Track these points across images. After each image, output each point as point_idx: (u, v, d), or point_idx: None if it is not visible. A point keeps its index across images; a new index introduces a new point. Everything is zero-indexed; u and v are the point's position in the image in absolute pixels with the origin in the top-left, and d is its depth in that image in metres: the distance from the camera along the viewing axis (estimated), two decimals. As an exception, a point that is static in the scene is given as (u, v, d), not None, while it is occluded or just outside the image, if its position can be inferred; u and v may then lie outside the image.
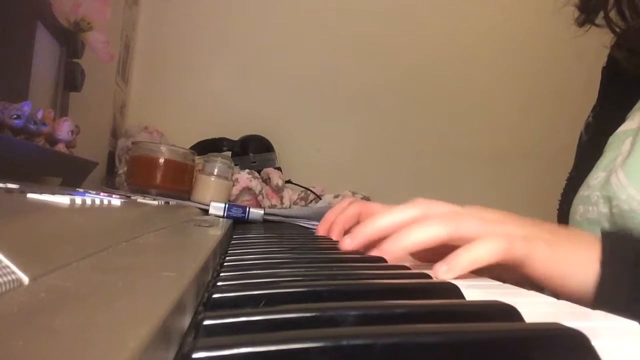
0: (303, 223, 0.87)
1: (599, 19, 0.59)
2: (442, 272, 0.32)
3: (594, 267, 0.34)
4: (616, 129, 0.57)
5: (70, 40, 0.83)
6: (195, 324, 0.17)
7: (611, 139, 0.57)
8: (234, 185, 1.02)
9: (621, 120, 0.58)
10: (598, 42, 0.62)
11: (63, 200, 0.31)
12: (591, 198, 0.54)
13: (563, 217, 0.63)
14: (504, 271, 0.35)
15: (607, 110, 0.63)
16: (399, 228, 0.38)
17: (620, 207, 0.49)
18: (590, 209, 0.54)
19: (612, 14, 0.58)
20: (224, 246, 0.43)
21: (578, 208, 0.57)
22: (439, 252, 0.36)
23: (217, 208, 0.82)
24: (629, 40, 0.57)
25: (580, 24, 0.61)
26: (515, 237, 0.35)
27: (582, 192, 0.57)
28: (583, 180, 0.58)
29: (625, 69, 0.58)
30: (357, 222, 0.54)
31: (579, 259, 0.35)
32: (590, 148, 0.61)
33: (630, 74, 0.58)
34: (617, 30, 0.59)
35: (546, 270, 0.34)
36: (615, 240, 0.36)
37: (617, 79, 0.62)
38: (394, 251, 0.36)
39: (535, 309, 0.23)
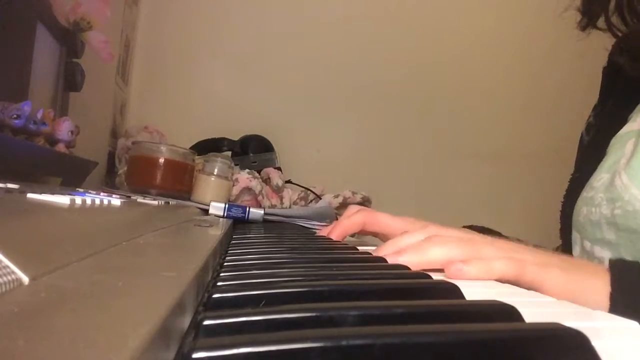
0: (303, 223, 0.87)
1: (601, 23, 0.60)
2: (456, 268, 0.33)
3: (605, 298, 0.34)
4: (618, 129, 0.57)
5: (70, 40, 0.83)
6: (195, 324, 0.17)
7: (614, 140, 0.57)
8: (234, 185, 1.02)
9: (623, 120, 0.58)
10: (599, 42, 0.62)
11: (63, 200, 0.31)
12: (595, 199, 0.54)
13: (566, 218, 0.63)
14: None
15: (609, 110, 0.63)
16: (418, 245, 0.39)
17: (623, 207, 0.50)
18: (593, 210, 0.54)
19: (614, 18, 0.58)
20: (224, 246, 0.43)
21: (581, 209, 0.57)
22: None
23: (217, 208, 0.82)
24: (630, 44, 0.57)
25: (583, 27, 0.61)
26: (528, 262, 0.35)
27: (586, 193, 0.57)
28: (586, 181, 0.58)
29: (627, 73, 0.58)
30: (361, 231, 0.54)
31: (590, 287, 0.35)
32: (592, 149, 0.61)
33: (632, 76, 0.58)
34: (619, 34, 0.59)
35: (558, 296, 0.34)
36: (622, 273, 0.36)
37: (618, 80, 0.62)
38: (412, 263, 0.36)
39: (535, 309, 0.23)
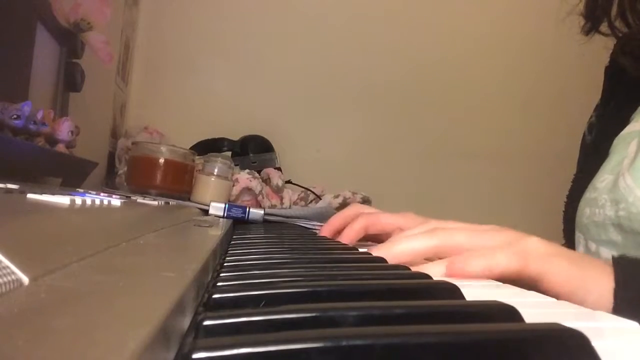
0: (303, 223, 0.87)
1: (604, 27, 0.60)
2: (457, 266, 0.32)
3: (607, 294, 0.34)
4: (620, 129, 0.57)
5: (70, 40, 0.83)
6: (196, 324, 0.17)
7: (616, 141, 0.57)
8: (234, 185, 1.02)
9: (625, 121, 0.58)
10: (600, 43, 0.62)
11: (63, 200, 0.31)
12: (598, 200, 0.54)
13: (569, 219, 0.62)
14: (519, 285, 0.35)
15: (611, 111, 0.62)
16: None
17: (628, 209, 0.49)
18: (597, 212, 0.54)
19: (616, 21, 0.58)
20: (224, 246, 0.43)
21: (585, 210, 0.57)
22: None
23: (217, 208, 0.82)
24: (632, 45, 0.57)
25: (587, 32, 0.61)
26: (531, 254, 0.35)
27: (589, 194, 0.57)
28: (588, 182, 0.58)
29: (629, 74, 0.58)
30: (364, 235, 0.54)
31: (594, 282, 0.35)
32: (595, 149, 0.61)
33: (635, 77, 0.58)
34: (621, 35, 0.59)
35: (561, 287, 0.34)
36: (626, 269, 0.36)
37: (620, 80, 0.62)
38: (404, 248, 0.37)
39: (535, 309, 0.23)
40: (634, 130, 0.55)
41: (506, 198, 1.49)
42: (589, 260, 0.38)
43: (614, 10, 0.58)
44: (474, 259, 0.33)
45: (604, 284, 0.35)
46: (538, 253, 0.35)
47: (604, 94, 0.66)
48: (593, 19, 0.60)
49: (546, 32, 1.34)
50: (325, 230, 0.57)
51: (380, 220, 0.53)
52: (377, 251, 0.41)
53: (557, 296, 0.35)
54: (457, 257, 0.33)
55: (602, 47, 0.63)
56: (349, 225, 0.54)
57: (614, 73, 0.64)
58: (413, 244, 0.38)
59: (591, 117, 0.67)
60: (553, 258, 0.35)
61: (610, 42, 0.62)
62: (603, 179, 0.55)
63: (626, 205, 0.50)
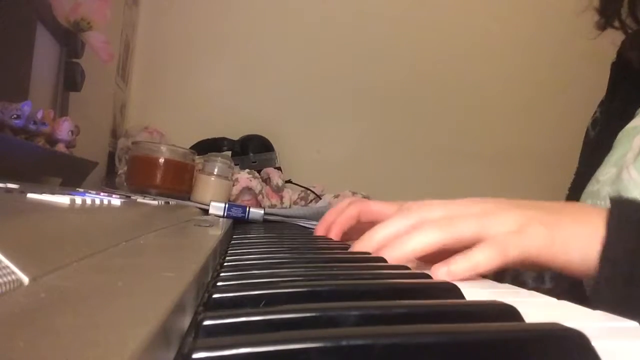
0: (303, 223, 0.87)
1: (617, 22, 0.61)
2: (441, 274, 0.33)
3: (599, 235, 0.34)
4: (625, 124, 0.57)
5: (70, 40, 0.83)
6: (195, 324, 0.17)
7: (620, 135, 0.57)
8: (234, 185, 1.02)
9: (630, 115, 0.58)
10: (602, 44, 0.63)
11: (63, 200, 0.31)
12: (600, 192, 0.54)
13: None
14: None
15: (616, 106, 0.63)
16: (398, 237, 0.39)
17: None
18: (598, 203, 0.54)
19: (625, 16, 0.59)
20: (224, 246, 0.43)
21: (586, 202, 0.57)
22: (440, 253, 0.36)
23: (217, 208, 0.82)
24: None
25: (602, 27, 0.62)
26: (508, 236, 0.35)
27: (591, 186, 0.57)
28: (591, 175, 0.58)
29: (635, 69, 0.59)
30: (357, 222, 0.54)
31: (581, 232, 0.35)
32: (598, 144, 0.62)
33: None
34: (630, 31, 0.60)
35: (547, 254, 0.34)
36: (623, 203, 0.36)
37: (626, 75, 0.62)
38: (393, 258, 0.37)
39: (535, 309, 0.23)
40: (638, 125, 0.56)
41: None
42: (574, 214, 0.37)
43: (625, 7, 0.59)
44: (457, 262, 0.33)
45: (592, 233, 0.34)
46: (514, 232, 0.35)
47: (609, 89, 0.66)
48: (607, 14, 0.61)
49: (549, 33, 1.35)
50: (321, 227, 0.56)
51: (372, 208, 0.52)
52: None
53: (545, 263, 0.35)
54: (440, 264, 0.33)
55: (605, 49, 0.63)
56: (342, 212, 0.53)
57: (619, 68, 0.64)
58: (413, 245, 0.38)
59: (595, 112, 0.67)
60: (531, 228, 0.35)
61: (618, 39, 0.62)
62: (606, 172, 0.55)
63: (629, 198, 0.50)
